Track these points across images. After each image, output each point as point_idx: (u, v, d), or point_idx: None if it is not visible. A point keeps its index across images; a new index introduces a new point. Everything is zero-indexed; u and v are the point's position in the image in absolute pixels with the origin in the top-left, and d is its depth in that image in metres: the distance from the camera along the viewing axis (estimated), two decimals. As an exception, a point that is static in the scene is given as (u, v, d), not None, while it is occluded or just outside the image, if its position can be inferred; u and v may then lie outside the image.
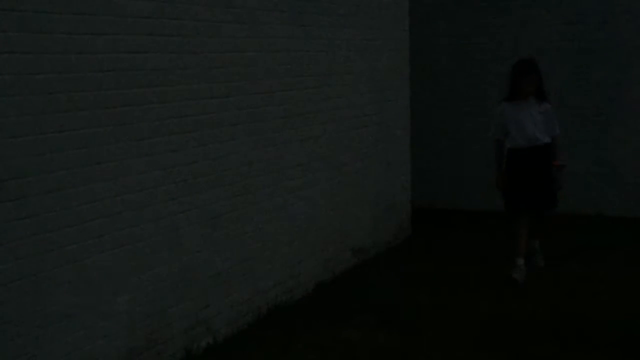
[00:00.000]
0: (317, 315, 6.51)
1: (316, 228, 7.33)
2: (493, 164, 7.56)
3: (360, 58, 8.00)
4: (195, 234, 5.73)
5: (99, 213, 4.90)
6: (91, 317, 4.86)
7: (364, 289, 7.23)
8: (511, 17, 10.19)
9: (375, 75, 8.33)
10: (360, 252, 8.15)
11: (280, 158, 6.71)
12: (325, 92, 7.37)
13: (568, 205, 9.15)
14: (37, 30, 4.44)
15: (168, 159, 5.44)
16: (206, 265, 5.86)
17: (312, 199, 7.24)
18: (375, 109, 8.36)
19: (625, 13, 9.71)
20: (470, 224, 9.70)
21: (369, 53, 8.17)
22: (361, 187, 8.14)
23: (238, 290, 6.22)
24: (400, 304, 6.75)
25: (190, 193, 5.67)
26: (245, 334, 6.14)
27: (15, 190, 4.34)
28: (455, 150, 10.58)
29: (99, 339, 4.93)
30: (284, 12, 6.70)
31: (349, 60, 7.77)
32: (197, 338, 5.76)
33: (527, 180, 7.32)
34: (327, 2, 7.37)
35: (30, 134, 4.42)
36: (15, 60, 4.32)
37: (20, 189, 4.37)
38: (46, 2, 4.50)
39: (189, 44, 5.59)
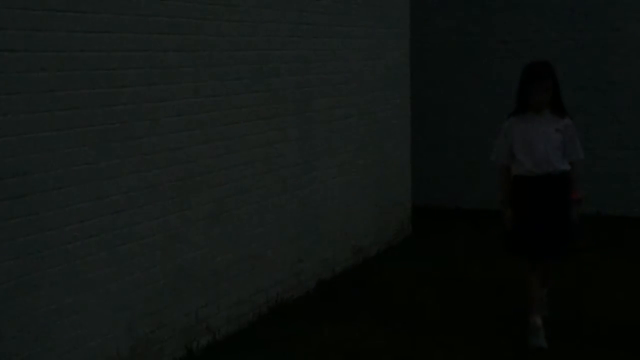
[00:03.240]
0: (318, 314, 6.50)
1: (317, 227, 7.31)
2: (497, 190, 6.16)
3: (360, 57, 7.99)
4: (195, 232, 5.72)
5: (98, 212, 4.89)
6: (91, 315, 4.86)
7: (364, 288, 7.22)
8: (514, 15, 10.18)
9: (376, 74, 8.32)
10: (361, 251, 8.14)
11: (280, 157, 6.70)
12: (326, 91, 7.36)
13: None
14: (37, 28, 4.43)
15: (168, 157, 5.43)
16: (206, 263, 5.85)
17: (313, 198, 7.22)
18: (375, 108, 8.35)
19: (631, 12, 9.70)
20: (471, 223, 9.68)
21: (369, 52, 8.16)
22: (362, 186, 8.13)
23: (238, 288, 6.21)
24: (401, 303, 6.74)
25: (190, 191, 5.66)
26: (245, 333, 6.13)
27: (14, 188, 4.33)
28: (455, 150, 10.57)
29: (98, 338, 4.92)
30: (285, 10, 6.69)
31: (349, 59, 7.76)
32: (197, 337, 5.75)
33: (535, 219, 5.78)
34: (328, 0, 7.35)
35: (30, 132, 4.41)
36: (16, 58, 4.31)
37: (20, 187, 4.36)
38: (46, 0, 4.48)
39: (189, 43, 5.58)
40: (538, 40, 9.94)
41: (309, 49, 7.07)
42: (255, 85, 6.32)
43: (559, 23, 9.98)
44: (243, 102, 6.19)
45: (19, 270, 4.37)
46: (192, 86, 5.64)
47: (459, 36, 10.45)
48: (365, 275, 7.65)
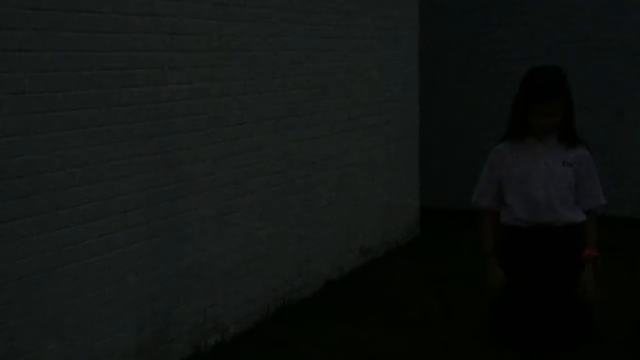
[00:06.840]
0: (326, 314, 6.51)
1: (325, 227, 7.32)
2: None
3: (367, 57, 7.99)
4: (203, 232, 5.73)
5: (105, 211, 4.90)
6: (99, 315, 4.87)
7: (372, 288, 7.22)
8: (519, 16, 10.17)
9: (384, 75, 8.33)
10: (369, 251, 8.15)
11: (288, 157, 6.71)
12: (333, 92, 7.37)
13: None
14: (41, 28, 4.45)
15: (175, 157, 5.45)
16: (215, 263, 5.86)
17: (320, 198, 7.23)
18: (383, 109, 8.35)
19: (635, 12, 9.70)
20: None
21: (375, 52, 8.16)
22: (370, 187, 8.13)
23: (246, 288, 6.22)
24: (408, 304, 6.74)
25: (198, 191, 5.67)
26: (253, 332, 6.14)
27: (24, 188, 4.35)
28: (463, 150, 10.55)
29: (107, 337, 4.94)
30: (290, 10, 6.69)
31: (356, 59, 7.76)
32: (205, 336, 5.76)
33: (530, 292, 4.12)
34: (334, 0, 7.36)
35: (34, 132, 4.42)
36: (20, 58, 4.33)
37: (25, 187, 4.38)
38: (50, 1, 4.51)
39: (191, 43, 5.59)
40: (547, 43, 9.92)
41: (316, 49, 7.08)
42: (259, 86, 6.33)
43: (568, 26, 9.97)
44: (246, 103, 6.20)
45: (28, 270, 4.39)
46: (197, 86, 5.65)
47: (466, 37, 10.43)
48: (373, 275, 7.65)
